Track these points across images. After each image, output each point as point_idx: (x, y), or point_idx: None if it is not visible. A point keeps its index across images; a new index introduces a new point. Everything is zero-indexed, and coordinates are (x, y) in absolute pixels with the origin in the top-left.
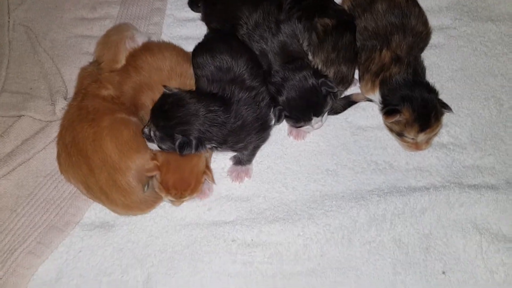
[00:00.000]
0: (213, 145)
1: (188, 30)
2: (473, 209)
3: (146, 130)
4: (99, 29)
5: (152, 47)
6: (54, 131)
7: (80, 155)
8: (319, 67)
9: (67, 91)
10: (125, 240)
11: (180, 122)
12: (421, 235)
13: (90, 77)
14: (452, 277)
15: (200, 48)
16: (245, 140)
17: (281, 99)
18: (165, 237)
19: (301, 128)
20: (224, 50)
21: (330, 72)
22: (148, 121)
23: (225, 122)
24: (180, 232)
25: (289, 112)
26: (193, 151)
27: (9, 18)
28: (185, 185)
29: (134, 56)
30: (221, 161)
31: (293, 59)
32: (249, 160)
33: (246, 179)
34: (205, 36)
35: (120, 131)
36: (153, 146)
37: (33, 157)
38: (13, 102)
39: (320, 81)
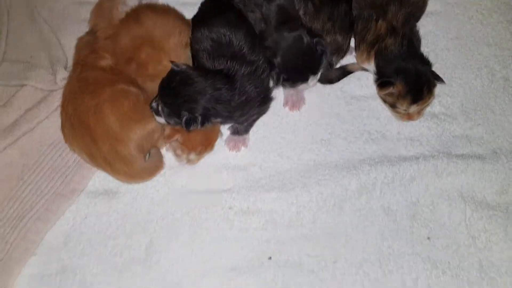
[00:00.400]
0: (218, 120)
1: None
2: (460, 178)
3: (154, 104)
4: None
5: (155, 5)
6: (56, 100)
7: (83, 126)
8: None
9: (67, 60)
10: (128, 206)
11: (187, 100)
12: (409, 203)
13: (87, 47)
14: (437, 243)
15: (197, 22)
16: (248, 113)
17: (277, 61)
18: (166, 204)
19: (297, 88)
20: (222, 24)
21: (327, 40)
22: (156, 96)
23: (230, 99)
24: (181, 200)
25: (286, 73)
26: (199, 127)
27: None
28: (209, 139)
29: (136, 11)
30: None
31: (288, 20)
32: (246, 130)
33: (242, 148)
34: (201, 4)
35: (121, 102)
36: (161, 120)
37: (36, 126)
38: (14, 71)
39: (315, 40)
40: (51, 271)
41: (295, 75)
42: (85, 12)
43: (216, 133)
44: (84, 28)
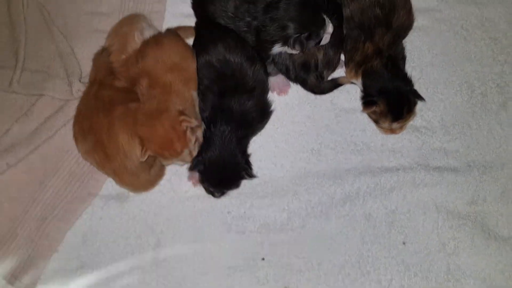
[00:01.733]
0: None
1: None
2: (435, 190)
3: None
4: (107, 6)
5: (162, 40)
6: (72, 110)
7: (97, 142)
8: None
9: (81, 72)
10: (138, 209)
11: None
12: (388, 211)
13: (105, 69)
14: (410, 247)
15: (198, 50)
16: None
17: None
18: (172, 207)
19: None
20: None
21: (320, 55)
22: None
23: None
24: (184, 204)
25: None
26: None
27: None
28: (169, 141)
29: (146, 44)
30: None
31: None
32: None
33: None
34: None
35: (130, 120)
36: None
37: (55, 133)
38: (33, 81)
39: None
40: (71, 267)
41: (314, 27)
42: (98, 22)
43: (178, 131)
44: (96, 38)
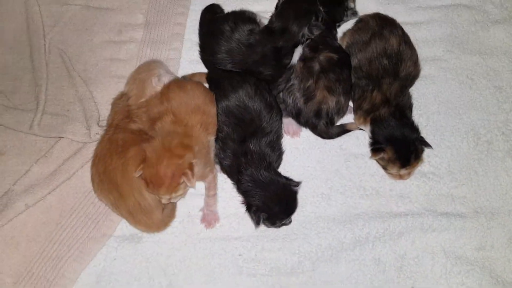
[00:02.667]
0: None
1: None
2: (443, 235)
3: None
4: (126, 53)
5: (185, 85)
6: (89, 152)
7: (111, 183)
8: (322, 93)
9: (99, 116)
10: (151, 251)
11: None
12: (397, 256)
13: (122, 113)
14: None
15: (218, 96)
16: None
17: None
18: (184, 249)
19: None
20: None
21: (333, 102)
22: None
23: None
24: (196, 246)
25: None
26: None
27: (44, 41)
28: (160, 182)
29: (169, 88)
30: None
31: None
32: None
33: None
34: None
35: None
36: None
37: (73, 175)
38: (53, 124)
39: None
40: None
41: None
42: (116, 69)
43: (175, 179)
44: (114, 83)
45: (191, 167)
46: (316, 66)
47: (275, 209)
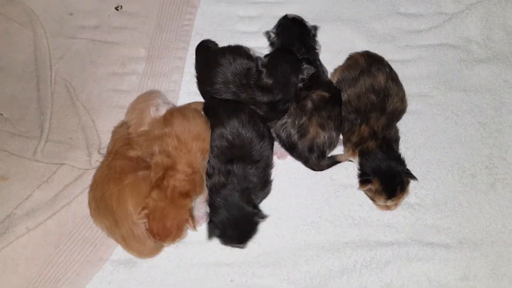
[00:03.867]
0: None
1: None
2: (428, 264)
3: None
4: (128, 84)
5: (187, 112)
6: (89, 178)
7: (107, 209)
8: (315, 130)
9: (100, 144)
10: (145, 275)
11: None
12: (383, 284)
13: (122, 140)
14: None
15: (214, 123)
16: None
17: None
18: (177, 273)
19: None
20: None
21: (325, 137)
22: None
23: None
24: (189, 271)
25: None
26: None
27: (51, 72)
28: (167, 233)
29: (172, 114)
30: None
31: None
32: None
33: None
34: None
35: (140, 188)
36: None
37: (72, 200)
38: (56, 151)
39: None
40: None
41: None
42: (118, 99)
43: (180, 228)
44: (116, 113)
45: (191, 213)
46: (309, 104)
47: (229, 233)
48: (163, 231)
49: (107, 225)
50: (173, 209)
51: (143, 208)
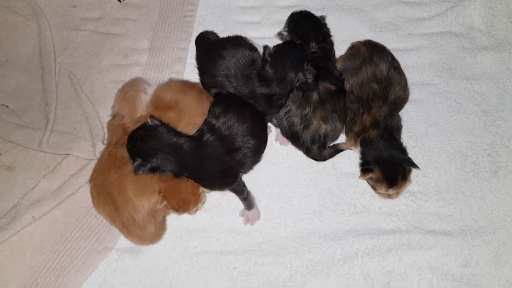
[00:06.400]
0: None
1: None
2: (430, 252)
3: None
4: (130, 75)
5: (187, 89)
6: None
7: (108, 196)
8: (319, 122)
9: (104, 135)
10: (149, 263)
11: (142, 151)
12: (385, 271)
13: (120, 130)
14: None
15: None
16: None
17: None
18: (181, 262)
19: None
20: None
21: (328, 129)
22: None
23: (187, 163)
24: (193, 259)
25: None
26: (147, 172)
27: (55, 64)
28: (187, 202)
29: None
30: (228, 198)
31: None
32: (248, 205)
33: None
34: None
35: (140, 175)
36: None
37: (77, 190)
38: (61, 141)
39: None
40: None
41: None
42: None
43: (197, 193)
44: None
45: None
46: (315, 96)
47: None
48: (183, 202)
49: (108, 212)
50: (182, 181)
51: (159, 193)
